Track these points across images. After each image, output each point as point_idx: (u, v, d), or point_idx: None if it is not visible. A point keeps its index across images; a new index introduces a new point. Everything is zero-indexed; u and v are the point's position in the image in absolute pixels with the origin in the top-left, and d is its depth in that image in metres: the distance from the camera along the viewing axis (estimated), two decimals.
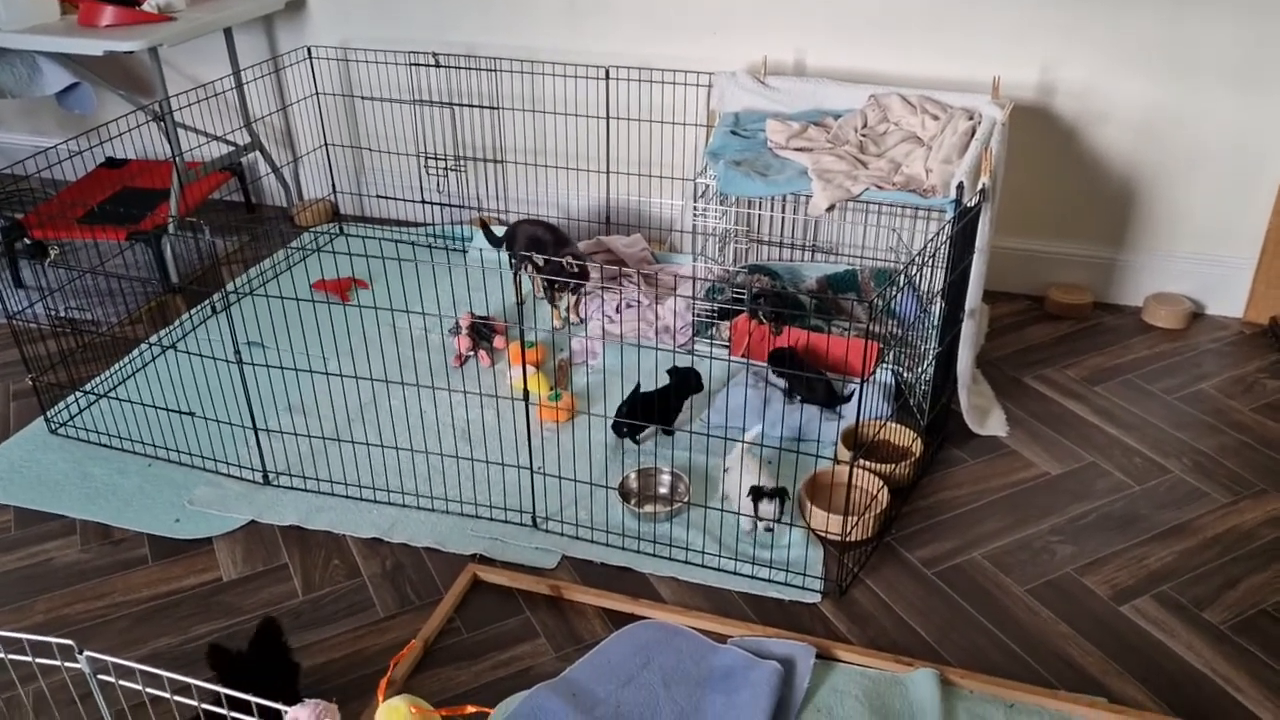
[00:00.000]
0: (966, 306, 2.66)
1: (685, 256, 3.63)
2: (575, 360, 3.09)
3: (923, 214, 3.25)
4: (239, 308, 2.56)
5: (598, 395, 2.89)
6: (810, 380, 2.71)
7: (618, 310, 3.36)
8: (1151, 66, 3.09)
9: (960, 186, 2.56)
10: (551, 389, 2.93)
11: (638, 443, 2.65)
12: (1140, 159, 3.22)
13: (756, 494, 2.31)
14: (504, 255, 2.13)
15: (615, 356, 3.03)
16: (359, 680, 2.06)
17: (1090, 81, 3.14)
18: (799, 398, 2.74)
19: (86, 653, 1.51)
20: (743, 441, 2.41)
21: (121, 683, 1.57)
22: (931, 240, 2.36)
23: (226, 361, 2.56)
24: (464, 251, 3.82)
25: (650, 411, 2.63)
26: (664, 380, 2.69)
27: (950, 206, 2.59)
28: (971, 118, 2.89)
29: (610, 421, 2.71)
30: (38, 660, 1.65)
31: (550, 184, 3.96)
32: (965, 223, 2.46)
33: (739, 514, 2.33)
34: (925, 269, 2.52)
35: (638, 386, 2.67)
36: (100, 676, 1.56)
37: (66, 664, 1.69)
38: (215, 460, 2.68)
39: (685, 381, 2.66)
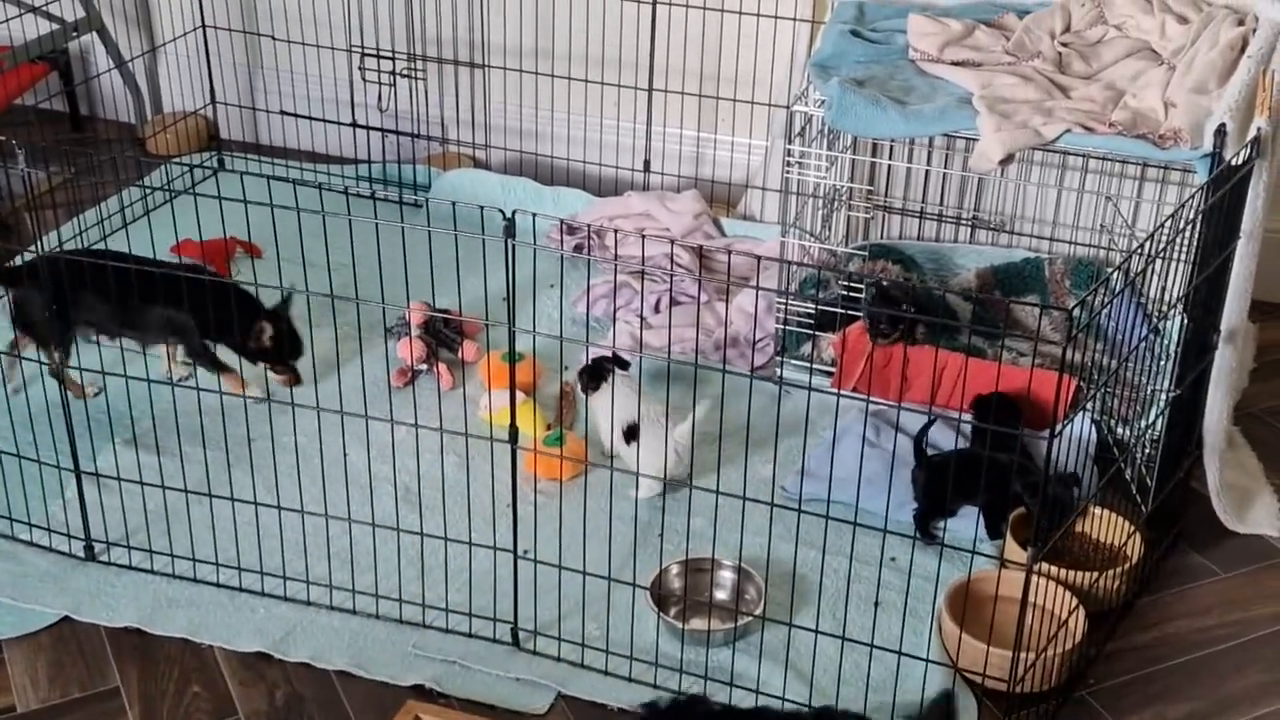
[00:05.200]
0: (1223, 325, 2.65)
1: (768, 229, 3.65)
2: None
3: (1156, 173, 3.26)
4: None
5: None
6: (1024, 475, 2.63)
7: (657, 309, 3.40)
8: None
9: (1221, 131, 2.56)
10: (550, 427, 2.96)
11: (936, 538, 2.67)
12: None
13: (630, 433, 2.74)
14: (488, 212, 2.16)
15: (651, 380, 3.05)
16: None
17: None
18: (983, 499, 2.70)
19: None
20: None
21: None
22: (1170, 217, 2.35)
23: (36, 362, 2.60)
24: (417, 203, 3.86)
25: (966, 486, 2.61)
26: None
27: (1203, 163, 2.58)
28: (1242, 22, 2.89)
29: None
30: None
31: (557, 105, 4.00)
32: (1226, 190, 2.45)
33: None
34: (1157, 263, 2.53)
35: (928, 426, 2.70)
36: None
37: None
38: (11, 519, 2.70)
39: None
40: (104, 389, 2.85)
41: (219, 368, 3.00)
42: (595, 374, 2.88)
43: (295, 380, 3.04)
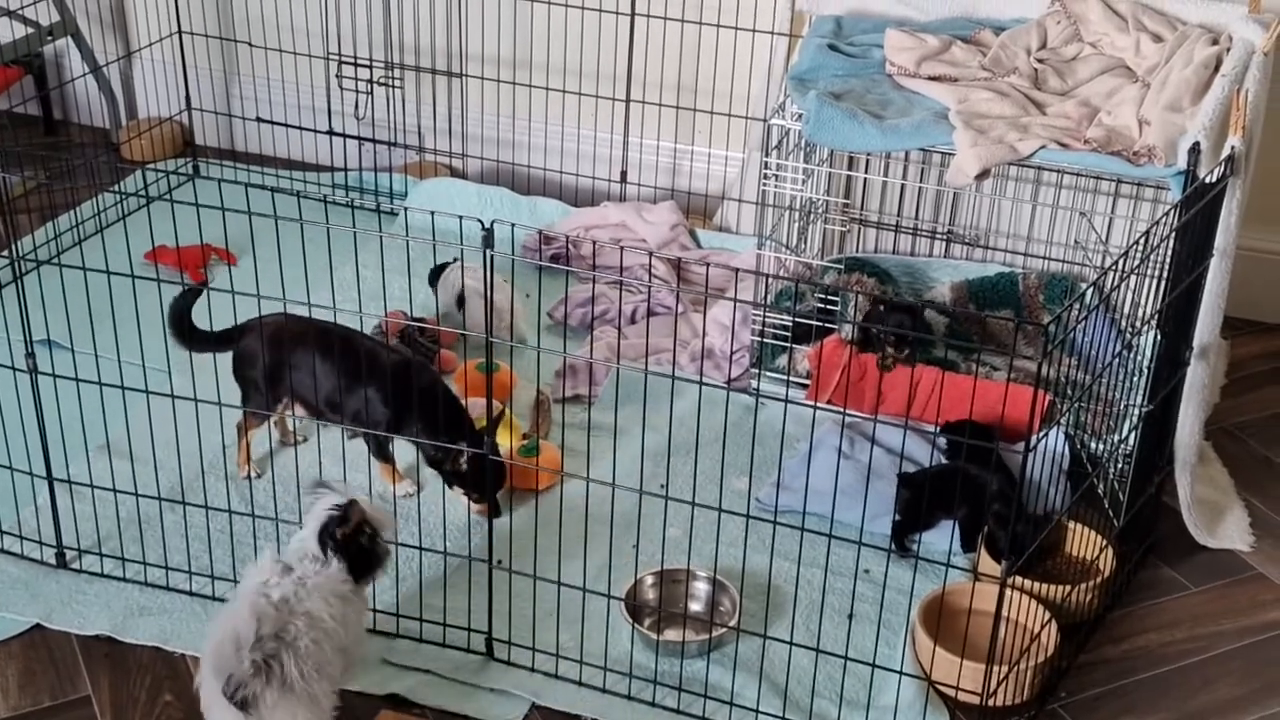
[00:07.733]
0: (1195, 342, 2.67)
1: (744, 240, 3.65)
2: (565, 394, 3.12)
3: (1130, 190, 3.28)
4: (30, 284, 2.59)
5: (599, 449, 2.91)
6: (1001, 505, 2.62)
7: (633, 320, 3.40)
8: None
9: (1194, 150, 2.58)
10: (525, 437, 2.96)
11: (910, 551, 2.69)
12: None
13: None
14: (467, 224, 2.14)
15: (628, 391, 3.05)
16: None
17: None
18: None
19: None
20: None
21: None
22: (1144, 234, 2.37)
23: (10, 369, 2.59)
24: (394, 212, 3.86)
25: (943, 500, 2.65)
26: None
27: (1177, 181, 2.60)
28: (1216, 41, 2.91)
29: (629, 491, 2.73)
30: None
31: (535, 115, 4.00)
32: (1199, 208, 2.47)
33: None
34: (1130, 279, 2.54)
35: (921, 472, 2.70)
36: None
37: None
38: None
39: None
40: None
41: (385, 459, 2.81)
42: (440, 269, 3.32)
43: (495, 513, 2.69)
